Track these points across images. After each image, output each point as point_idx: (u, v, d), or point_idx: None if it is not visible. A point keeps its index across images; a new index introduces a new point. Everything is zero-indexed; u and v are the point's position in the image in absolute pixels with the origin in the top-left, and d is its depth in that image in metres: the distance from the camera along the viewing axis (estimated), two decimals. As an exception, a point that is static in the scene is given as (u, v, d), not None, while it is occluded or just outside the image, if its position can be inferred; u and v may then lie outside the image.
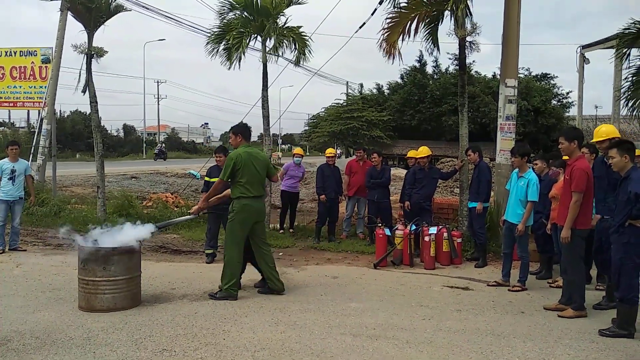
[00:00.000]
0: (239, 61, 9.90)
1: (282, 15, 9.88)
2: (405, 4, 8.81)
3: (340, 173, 9.99)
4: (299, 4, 9.99)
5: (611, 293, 5.62)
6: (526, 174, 6.49)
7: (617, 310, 4.96)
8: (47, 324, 4.98)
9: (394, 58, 9.05)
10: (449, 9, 8.15)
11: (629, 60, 9.28)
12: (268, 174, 6.25)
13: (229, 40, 9.69)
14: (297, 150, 11.15)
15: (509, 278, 6.63)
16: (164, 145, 51.38)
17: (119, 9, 10.41)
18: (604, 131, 5.86)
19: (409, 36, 8.94)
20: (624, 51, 9.07)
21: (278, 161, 28.53)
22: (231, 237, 6.00)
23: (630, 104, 9.03)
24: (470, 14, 8.49)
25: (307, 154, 62.43)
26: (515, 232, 6.42)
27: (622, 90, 9.48)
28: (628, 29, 8.76)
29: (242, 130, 6.23)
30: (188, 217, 6.94)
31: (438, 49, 9.46)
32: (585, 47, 19.62)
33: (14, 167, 8.41)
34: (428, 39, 9.26)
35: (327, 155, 10.02)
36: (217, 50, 10.07)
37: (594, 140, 5.97)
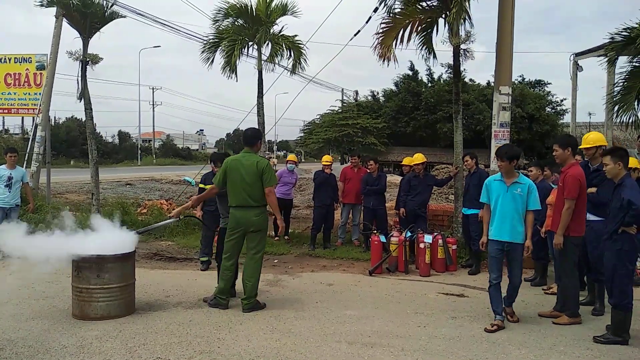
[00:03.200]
0: (234, 72, 9.95)
1: (276, 24, 9.95)
2: (401, 9, 8.87)
3: (336, 180, 10.00)
4: (293, 14, 10.04)
5: (601, 296, 5.67)
6: (521, 180, 5.39)
7: (612, 316, 4.97)
8: (40, 332, 4.95)
9: (388, 61, 9.09)
10: (443, 16, 8.22)
11: (615, 65, 9.37)
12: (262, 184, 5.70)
13: (224, 49, 9.74)
14: (291, 156, 11.18)
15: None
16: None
17: (114, 15, 10.44)
18: (592, 139, 5.94)
19: (402, 43, 9.02)
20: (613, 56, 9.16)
21: (274, 168, 28.54)
22: (223, 245, 5.96)
23: (617, 109, 9.07)
24: (470, 21, 8.57)
25: (302, 160, 62.47)
26: (525, 252, 5.33)
27: (611, 95, 9.53)
28: (618, 34, 8.84)
29: (242, 135, 6.12)
30: (169, 220, 6.60)
31: (434, 56, 9.52)
32: (579, 54, 19.75)
33: (10, 174, 8.41)
34: (422, 47, 9.33)
35: (324, 162, 10.01)
36: (212, 59, 10.12)
37: (582, 146, 6.02)
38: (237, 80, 10.15)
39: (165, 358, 4.38)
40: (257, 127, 10.13)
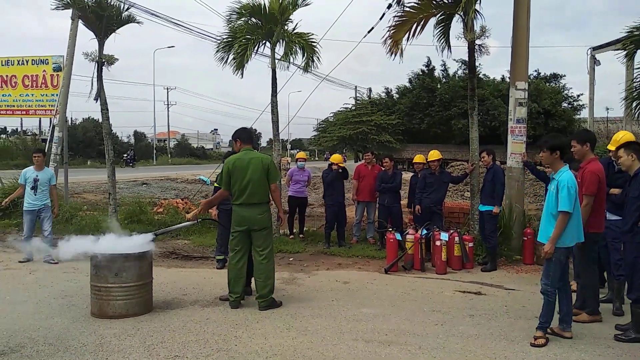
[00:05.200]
0: (242, 70, 9.97)
1: (290, 21, 9.92)
2: (415, 4, 8.80)
3: (347, 175, 9.96)
4: (306, 5, 9.98)
5: (620, 294, 5.58)
6: (557, 175, 4.79)
7: (632, 313, 4.89)
8: (60, 331, 5.01)
9: (396, 55, 9.06)
10: (459, 12, 8.12)
11: (634, 59, 9.21)
12: (268, 180, 5.83)
13: (237, 48, 9.75)
14: (300, 154, 11.21)
15: (569, 323, 4.94)
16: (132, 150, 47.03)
17: (130, 19, 10.49)
18: (622, 138, 5.80)
19: (414, 37, 8.96)
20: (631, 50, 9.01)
21: (287, 166, 28.61)
22: (229, 243, 6.01)
23: (635, 104, 8.92)
24: (481, 16, 8.48)
25: (316, 158, 62.55)
26: (542, 255, 4.81)
27: (630, 90, 9.37)
28: (637, 28, 8.69)
29: (238, 134, 6.08)
30: (187, 223, 6.72)
31: (450, 50, 9.44)
32: (596, 48, 19.51)
33: (37, 176, 8.19)
34: (440, 39, 9.25)
35: (333, 161, 9.96)
36: (227, 59, 10.13)
37: (610, 146, 5.91)
38: (242, 77, 10.14)
39: (183, 356, 4.41)
40: (271, 125, 10.14)
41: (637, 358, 4.44)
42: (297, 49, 9.97)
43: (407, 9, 8.87)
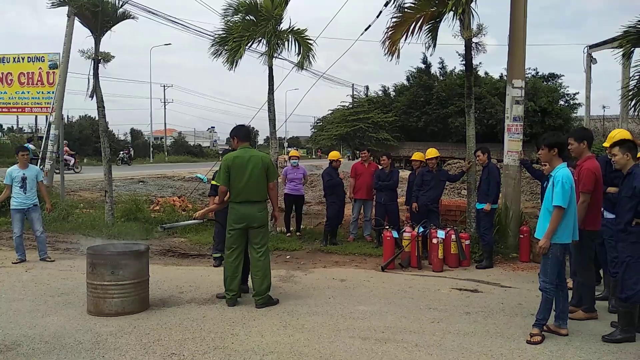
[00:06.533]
0: (235, 65, 9.94)
1: (282, 19, 9.89)
2: (412, 4, 8.79)
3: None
4: None
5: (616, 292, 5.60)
6: (554, 171, 4.85)
7: (619, 312, 4.88)
8: (56, 329, 5.00)
9: (393, 55, 9.06)
10: (452, 10, 8.12)
11: (631, 58, 9.21)
12: (267, 179, 5.86)
13: (231, 44, 9.73)
14: (292, 152, 11.21)
15: (565, 320, 4.97)
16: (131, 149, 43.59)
17: (126, 15, 10.46)
18: (619, 136, 5.84)
19: (412, 36, 8.95)
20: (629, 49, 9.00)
21: (284, 164, 28.62)
22: (225, 241, 5.97)
23: (633, 103, 8.93)
24: (476, 14, 8.48)
25: (313, 156, 62.56)
26: (537, 250, 4.89)
27: (626, 89, 9.37)
28: (633, 27, 8.69)
29: (235, 132, 6.07)
30: (194, 221, 6.77)
31: (434, 46, 9.45)
32: (593, 47, 19.57)
33: (24, 174, 8.06)
34: (428, 35, 9.25)
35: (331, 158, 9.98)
36: (220, 52, 10.10)
37: (606, 144, 5.95)
38: (234, 71, 10.10)
39: (180, 354, 4.41)
40: (268, 123, 10.12)
41: (631, 355, 4.46)
42: (292, 46, 9.94)
43: (405, 10, 8.86)
